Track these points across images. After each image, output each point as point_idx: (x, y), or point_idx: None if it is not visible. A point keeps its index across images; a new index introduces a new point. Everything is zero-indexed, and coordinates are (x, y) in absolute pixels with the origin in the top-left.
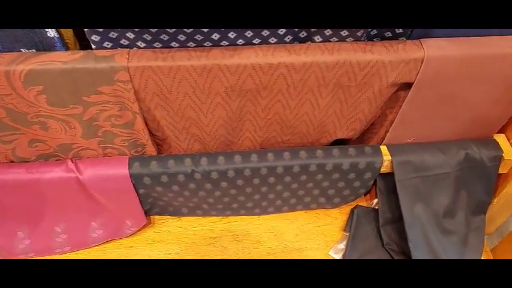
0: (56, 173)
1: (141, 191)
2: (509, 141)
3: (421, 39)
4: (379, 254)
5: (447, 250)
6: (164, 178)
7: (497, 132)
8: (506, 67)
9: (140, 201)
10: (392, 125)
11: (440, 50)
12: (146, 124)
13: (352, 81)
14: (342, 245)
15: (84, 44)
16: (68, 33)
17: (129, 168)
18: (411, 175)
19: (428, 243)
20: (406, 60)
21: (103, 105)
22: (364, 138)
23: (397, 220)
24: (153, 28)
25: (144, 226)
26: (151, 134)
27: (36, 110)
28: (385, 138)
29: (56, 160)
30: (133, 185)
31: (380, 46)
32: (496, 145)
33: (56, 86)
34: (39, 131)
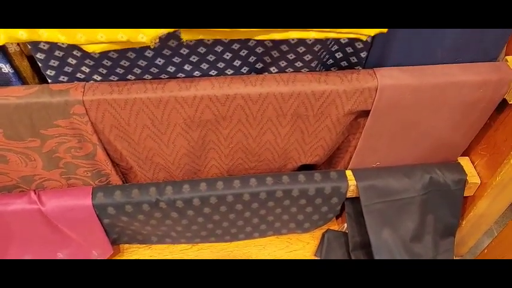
0: (18, 204)
1: (106, 221)
2: (473, 164)
3: (374, 69)
4: None
5: None
6: (128, 208)
7: (462, 155)
8: (463, 94)
9: (106, 231)
10: (356, 150)
11: (393, 79)
12: (108, 155)
13: (310, 111)
14: None
15: (43, 78)
16: (25, 68)
17: (92, 198)
18: (377, 200)
19: None
20: (360, 89)
21: (61, 137)
22: (332, 162)
23: (367, 244)
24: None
25: (113, 255)
26: (115, 164)
27: None
28: (350, 163)
29: (20, 191)
30: (97, 215)
31: (334, 76)
32: (460, 168)
33: (12, 121)
34: None
